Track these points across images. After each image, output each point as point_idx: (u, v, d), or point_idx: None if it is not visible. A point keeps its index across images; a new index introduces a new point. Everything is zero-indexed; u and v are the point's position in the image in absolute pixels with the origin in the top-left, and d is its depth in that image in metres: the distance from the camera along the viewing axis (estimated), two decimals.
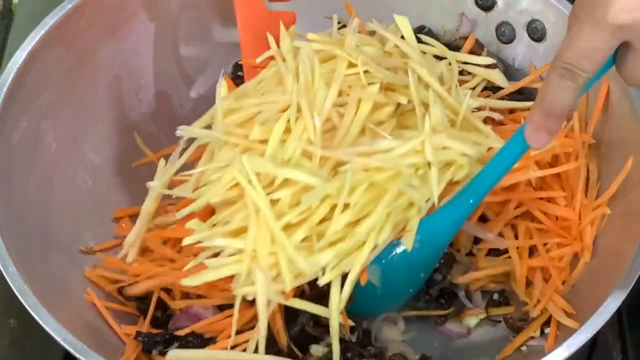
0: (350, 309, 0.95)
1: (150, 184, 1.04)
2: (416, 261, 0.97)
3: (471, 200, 0.95)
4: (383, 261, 0.95)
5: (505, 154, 0.93)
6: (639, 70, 0.80)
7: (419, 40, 1.08)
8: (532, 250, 1.05)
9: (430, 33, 1.17)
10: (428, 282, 1.03)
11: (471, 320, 1.06)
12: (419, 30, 1.17)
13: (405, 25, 1.05)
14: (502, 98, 1.11)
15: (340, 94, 0.96)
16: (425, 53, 1.07)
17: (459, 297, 1.06)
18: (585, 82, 0.80)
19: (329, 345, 0.95)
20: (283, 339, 0.96)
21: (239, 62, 1.11)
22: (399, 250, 0.96)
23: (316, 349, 0.96)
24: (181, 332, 0.97)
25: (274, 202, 0.89)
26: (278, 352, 0.95)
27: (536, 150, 0.99)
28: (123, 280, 1.03)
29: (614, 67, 0.82)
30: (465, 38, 1.18)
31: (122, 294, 1.03)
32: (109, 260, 1.05)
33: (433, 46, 1.10)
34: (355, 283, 0.92)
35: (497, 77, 1.11)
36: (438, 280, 1.03)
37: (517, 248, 1.04)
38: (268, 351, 0.91)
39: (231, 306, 0.96)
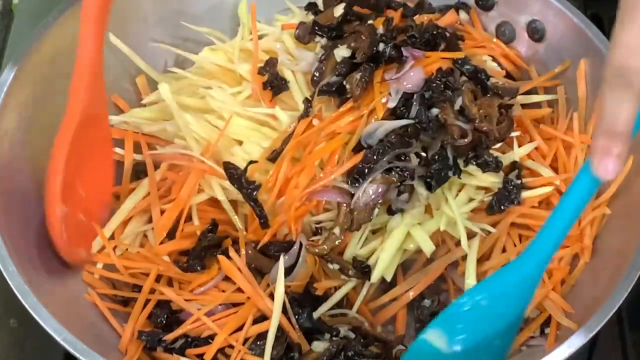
0: None
1: None
2: (485, 324, 0.87)
3: (541, 256, 0.84)
4: (449, 325, 0.87)
5: (572, 197, 0.80)
6: None
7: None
8: None
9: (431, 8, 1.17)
10: (418, 308, 1.04)
11: None
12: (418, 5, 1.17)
13: None
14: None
15: None
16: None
17: None
18: None
19: (331, 341, 0.96)
20: (293, 334, 0.97)
21: None
22: (465, 309, 0.86)
23: (317, 345, 0.97)
24: (183, 329, 0.98)
25: None
26: (287, 346, 0.96)
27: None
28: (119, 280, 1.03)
29: None
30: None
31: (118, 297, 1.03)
32: (97, 257, 1.04)
33: None
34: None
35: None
36: (427, 305, 1.03)
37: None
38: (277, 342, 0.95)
39: (235, 305, 0.99)
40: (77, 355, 0.88)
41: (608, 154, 0.72)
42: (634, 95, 0.70)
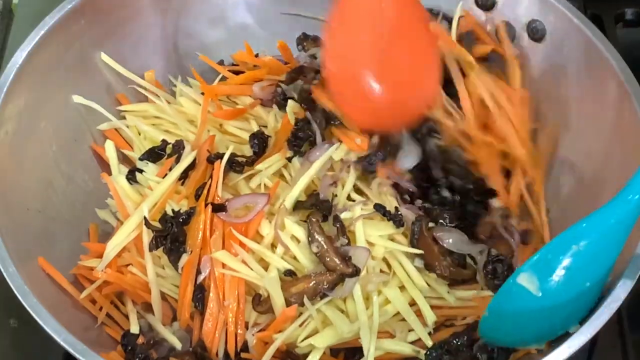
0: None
1: None
2: (576, 271, 0.85)
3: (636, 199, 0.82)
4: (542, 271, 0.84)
5: None
6: None
7: None
8: None
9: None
10: None
11: None
12: None
13: None
14: None
15: None
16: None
17: None
18: None
19: None
20: None
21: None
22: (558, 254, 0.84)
23: None
24: None
25: None
26: None
27: None
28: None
29: None
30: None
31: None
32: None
33: None
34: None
35: None
36: None
37: None
38: None
39: None
40: (77, 355, 0.88)
41: None
42: None
